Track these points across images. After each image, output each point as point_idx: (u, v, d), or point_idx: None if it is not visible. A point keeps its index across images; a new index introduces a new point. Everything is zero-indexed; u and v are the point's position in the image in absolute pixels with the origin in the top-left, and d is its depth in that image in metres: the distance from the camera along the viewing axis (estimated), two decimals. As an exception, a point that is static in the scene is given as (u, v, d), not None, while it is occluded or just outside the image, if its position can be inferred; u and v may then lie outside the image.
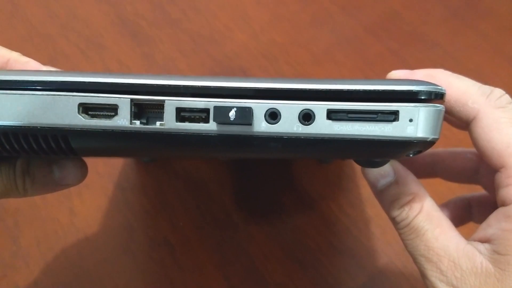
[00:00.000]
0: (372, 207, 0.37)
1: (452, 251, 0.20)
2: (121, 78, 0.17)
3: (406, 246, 0.22)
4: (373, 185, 0.24)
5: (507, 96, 0.21)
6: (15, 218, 0.36)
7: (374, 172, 0.23)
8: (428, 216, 0.21)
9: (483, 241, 0.20)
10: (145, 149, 0.19)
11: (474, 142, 0.21)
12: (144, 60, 0.44)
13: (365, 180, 0.38)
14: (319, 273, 0.35)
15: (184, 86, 0.17)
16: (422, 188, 0.22)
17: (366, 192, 0.38)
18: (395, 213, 0.22)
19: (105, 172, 0.38)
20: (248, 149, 0.18)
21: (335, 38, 0.46)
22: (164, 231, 0.36)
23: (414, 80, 0.20)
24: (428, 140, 0.18)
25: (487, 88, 0.21)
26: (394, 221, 0.22)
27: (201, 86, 0.17)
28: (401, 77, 0.22)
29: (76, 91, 0.17)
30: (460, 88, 0.20)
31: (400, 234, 0.22)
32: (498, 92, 0.21)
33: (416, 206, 0.21)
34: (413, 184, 0.22)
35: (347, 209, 0.37)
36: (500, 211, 0.20)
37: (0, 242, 0.35)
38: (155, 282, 0.34)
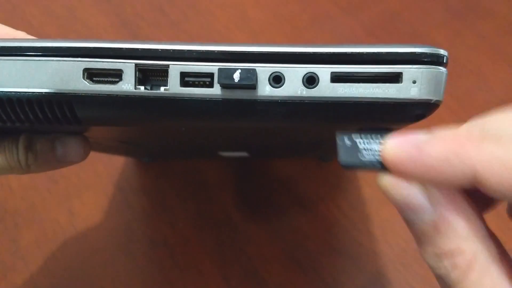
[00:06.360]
0: (372, 208, 0.37)
1: None
2: (125, 43, 0.17)
3: None
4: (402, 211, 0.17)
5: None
6: (14, 219, 0.36)
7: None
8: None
9: None
10: (148, 117, 0.19)
11: None
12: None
13: (364, 181, 0.39)
14: (318, 274, 0.35)
15: (188, 50, 0.17)
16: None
17: (365, 193, 0.38)
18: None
19: (104, 173, 0.38)
20: (252, 115, 0.18)
21: (334, 38, 0.46)
22: (164, 232, 0.36)
23: (418, 44, 0.20)
24: (432, 102, 0.18)
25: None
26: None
27: (206, 50, 0.17)
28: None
29: (81, 57, 0.17)
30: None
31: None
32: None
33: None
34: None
35: (346, 210, 0.37)
36: None
37: (0, 243, 0.36)
38: (154, 282, 0.34)
